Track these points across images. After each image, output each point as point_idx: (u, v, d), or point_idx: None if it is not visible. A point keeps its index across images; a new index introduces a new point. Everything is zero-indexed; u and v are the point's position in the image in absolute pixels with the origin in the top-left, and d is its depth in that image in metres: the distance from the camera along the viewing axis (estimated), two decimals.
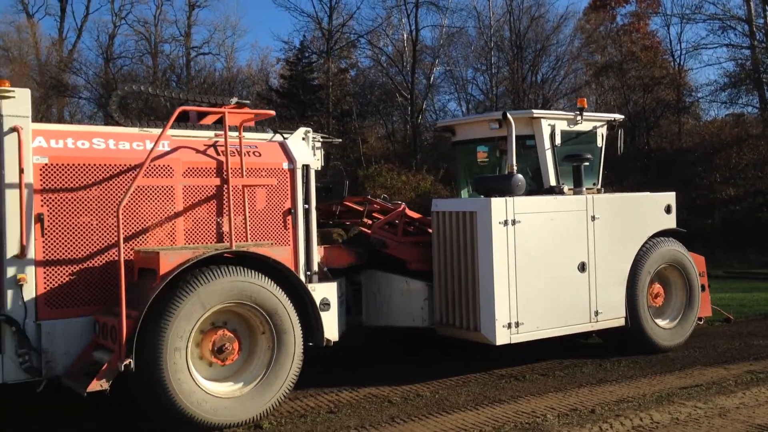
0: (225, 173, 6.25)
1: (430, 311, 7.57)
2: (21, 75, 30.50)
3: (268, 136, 6.96)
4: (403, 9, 36.81)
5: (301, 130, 7.05)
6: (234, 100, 6.83)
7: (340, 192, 7.77)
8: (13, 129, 5.47)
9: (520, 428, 5.66)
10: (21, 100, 5.53)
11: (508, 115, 7.60)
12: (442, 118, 39.59)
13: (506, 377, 7.23)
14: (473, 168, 8.96)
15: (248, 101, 7.10)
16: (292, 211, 6.76)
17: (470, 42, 36.68)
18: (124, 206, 5.70)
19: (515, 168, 7.47)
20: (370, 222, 7.79)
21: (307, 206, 6.83)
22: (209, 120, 6.88)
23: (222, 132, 6.71)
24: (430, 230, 7.92)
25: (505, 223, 7.08)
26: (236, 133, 6.61)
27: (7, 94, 5.42)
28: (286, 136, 6.97)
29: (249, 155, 6.60)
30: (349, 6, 50.23)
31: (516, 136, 7.77)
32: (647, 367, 7.59)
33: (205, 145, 6.51)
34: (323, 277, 6.94)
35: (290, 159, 6.81)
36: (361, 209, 8.07)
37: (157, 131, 6.37)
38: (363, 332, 8.11)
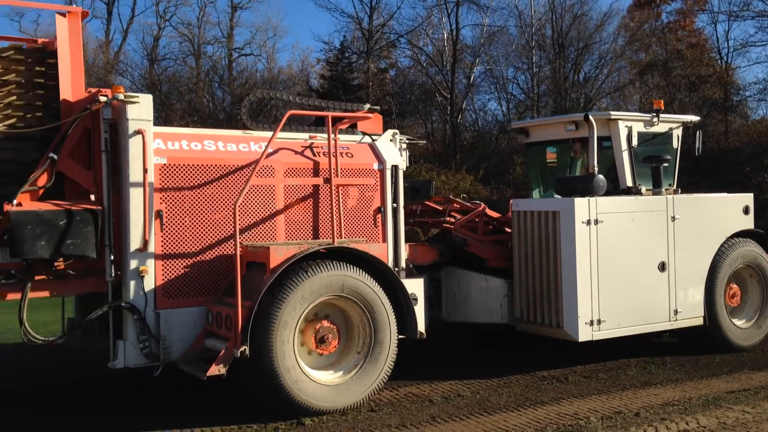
0: (327, 173, 6.56)
1: (509, 308, 7.76)
2: None
3: (357, 137, 7.23)
4: (443, 8, 36.94)
5: (389, 132, 7.32)
6: (367, 106, 7.25)
7: (426, 192, 8.01)
8: (138, 132, 5.83)
9: (563, 430, 5.60)
10: (144, 105, 5.90)
11: (590, 116, 7.74)
12: (482, 118, 39.66)
13: (548, 379, 7.18)
14: (545, 169, 9.12)
15: (378, 107, 7.45)
16: (382, 209, 7.04)
17: (511, 41, 36.59)
18: (237, 204, 6.00)
19: (596, 168, 7.62)
20: (452, 221, 8.01)
21: (395, 205, 7.10)
22: (343, 124, 7.15)
23: (317, 134, 7.07)
24: (508, 229, 8.12)
25: (588, 222, 7.23)
26: (332, 136, 6.92)
27: (132, 100, 5.78)
28: (374, 138, 7.24)
29: (342, 156, 6.88)
30: (390, 6, 50.44)
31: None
32: (693, 370, 7.54)
33: (302, 146, 6.82)
34: (409, 274, 7.20)
35: (380, 160, 7.09)
36: (441, 209, 8.29)
37: (259, 134, 6.75)
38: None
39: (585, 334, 7.24)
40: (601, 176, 7.49)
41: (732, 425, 5.68)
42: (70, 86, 5.87)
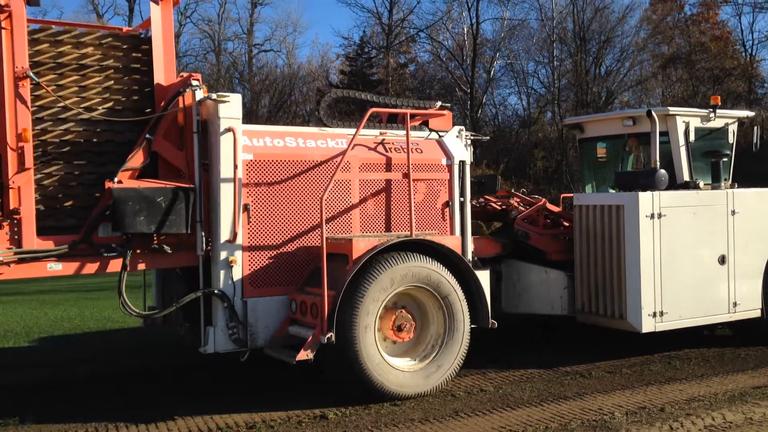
0: (404, 168, 6.77)
1: (570, 300, 7.92)
2: None
3: (425, 134, 7.41)
4: (463, 2, 37.00)
5: (456, 128, 7.48)
6: (438, 104, 7.40)
7: (492, 186, 8.18)
8: (228, 129, 6.07)
9: (588, 425, 5.54)
10: (234, 103, 6.12)
11: (653, 112, 7.87)
12: (502, 113, 39.72)
13: (571, 374, 7.13)
14: (598, 164, 9.25)
15: (448, 104, 7.64)
16: (450, 203, 7.23)
17: (532, 34, 36.67)
18: (319, 198, 6.25)
19: (659, 164, 7.75)
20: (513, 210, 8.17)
21: (462, 199, 7.29)
22: (416, 121, 7.40)
23: (386, 131, 7.25)
24: (566, 223, 8.27)
25: (652, 216, 7.37)
26: (403, 132, 7.13)
27: (224, 99, 6.01)
28: (441, 134, 7.41)
29: (413, 152, 7.03)
30: (410, 1, 50.48)
31: (648, 133, 8.06)
32: (718, 366, 7.48)
33: (374, 143, 7.01)
34: (475, 266, 7.36)
35: (448, 155, 7.27)
36: (501, 203, 8.46)
37: (334, 130, 6.97)
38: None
39: (648, 325, 7.39)
40: (663, 171, 7.63)
41: (759, 421, 5.64)
42: (163, 71, 6.14)
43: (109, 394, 6.67)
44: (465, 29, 37.59)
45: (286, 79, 40.74)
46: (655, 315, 7.41)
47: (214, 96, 6.01)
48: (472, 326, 6.77)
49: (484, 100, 37.30)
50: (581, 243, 7.77)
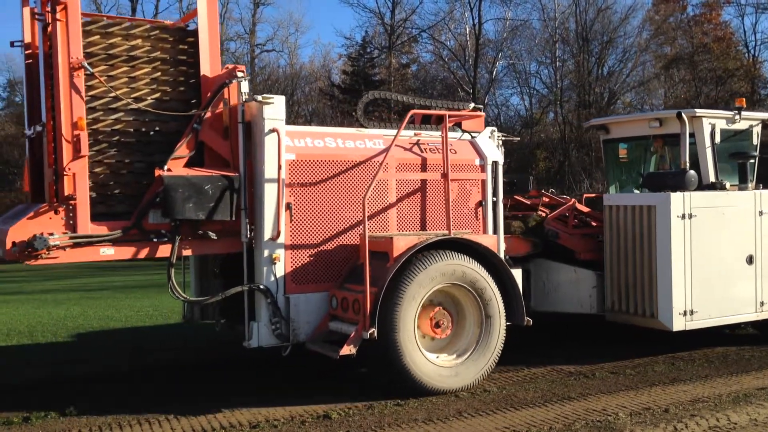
0: (442, 168, 6.87)
1: (599, 298, 8.01)
2: None
3: (457, 135, 7.49)
4: (466, 2, 37.05)
5: (488, 129, 7.58)
6: (471, 105, 7.50)
7: (524, 186, 8.26)
8: (273, 130, 6.18)
9: (592, 426, 5.55)
10: (278, 105, 6.24)
11: (683, 114, 7.96)
12: (504, 113, 39.82)
13: (575, 375, 7.14)
14: (621, 165, 9.35)
15: (481, 106, 7.74)
16: (483, 203, 7.32)
17: (534, 35, 36.72)
18: (360, 197, 6.34)
19: (687, 165, 7.84)
20: (543, 214, 8.26)
21: (495, 199, 7.38)
22: (451, 122, 7.43)
23: (420, 131, 7.33)
24: (594, 223, 8.36)
25: (683, 216, 7.46)
26: (436, 133, 7.22)
27: (268, 101, 6.11)
28: (474, 135, 7.49)
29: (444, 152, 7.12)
30: (412, 1, 50.52)
31: (674, 135, 8.15)
32: (722, 366, 7.49)
33: (410, 143, 7.09)
34: (508, 264, 7.45)
35: (481, 156, 7.36)
36: (529, 202, 8.54)
37: (371, 131, 7.07)
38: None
39: (679, 324, 7.48)
40: (692, 172, 7.72)
41: (763, 422, 5.63)
42: (209, 62, 6.26)
43: (115, 393, 6.70)
44: (467, 29, 37.67)
45: (288, 79, 40.76)
46: (685, 314, 7.50)
47: (259, 98, 6.13)
48: (507, 323, 6.86)
49: (486, 101, 37.34)
50: (611, 242, 7.86)
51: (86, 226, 5.72)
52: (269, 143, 6.17)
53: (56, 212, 5.64)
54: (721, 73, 29.82)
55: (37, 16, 5.90)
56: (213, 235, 6.13)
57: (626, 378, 7.04)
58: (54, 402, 6.24)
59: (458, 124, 7.50)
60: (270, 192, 6.21)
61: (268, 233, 6.22)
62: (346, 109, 33.16)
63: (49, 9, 5.71)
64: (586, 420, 5.69)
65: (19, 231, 5.53)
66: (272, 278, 6.27)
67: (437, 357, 6.55)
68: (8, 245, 5.48)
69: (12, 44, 6.69)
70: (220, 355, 8.23)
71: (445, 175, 6.79)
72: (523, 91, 37.97)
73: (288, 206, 6.32)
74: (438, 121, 7.45)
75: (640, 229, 7.60)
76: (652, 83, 33.29)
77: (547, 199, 8.56)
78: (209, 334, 8.87)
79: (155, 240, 5.98)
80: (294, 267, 6.41)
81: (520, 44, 37.05)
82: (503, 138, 7.74)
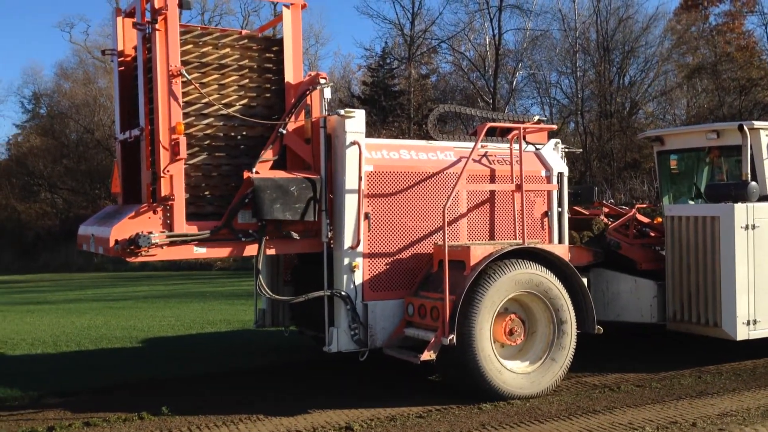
0: (517, 180, 7.03)
1: (659, 308, 8.07)
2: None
3: (523, 146, 7.59)
4: (486, 13, 37.21)
5: (552, 141, 7.73)
6: (536, 117, 7.61)
7: (589, 197, 8.37)
8: (354, 143, 6.37)
9: None
10: (359, 119, 6.46)
11: (745, 126, 8.04)
12: None
13: (599, 387, 7.07)
14: (675, 176, 9.43)
15: (545, 118, 7.84)
16: (549, 213, 7.45)
17: (554, 45, 36.70)
18: (444, 207, 6.47)
19: (749, 176, 7.92)
20: (607, 223, 8.35)
21: (560, 209, 7.51)
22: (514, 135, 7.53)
23: (487, 143, 7.46)
24: (653, 234, 8.44)
25: (746, 227, 7.53)
26: (503, 145, 7.35)
27: (350, 115, 6.33)
28: (538, 147, 7.62)
29: (514, 164, 7.24)
30: (432, 12, 50.76)
31: (731, 146, 8.25)
32: (750, 380, 7.39)
33: (479, 155, 7.22)
34: None
35: (546, 167, 7.48)
36: (588, 212, 8.64)
37: (442, 143, 7.25)
38: None
39: (742, 333, 7.53)
40: (754, 183, 7.79)
41: None
42: (292, 70, 6.51)
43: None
44: (487, 40, 37.80)
45: None
46: (748, 323, 7.56)
47: (341, 112, 6.34)
48: (578, 332, 6.95)
49: (506, 111, 37.43)
50: (673, 252, 7.93)
51: (182, 225, 5.97)
52: (350, 155, 6.36)
53: (155, 212, 5.88)
54: (744, 82, 29.71)
55: (138, 27, 6.15)
56: (295, 235, 6.34)
57: (652, 391, 6.96)
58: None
59: (523, 137, 7.61)
60: (350, 202, 6.39)
61: (348, 242, 6.39)
62: (366, 120, 33.30)
63: (149, 19, 5.95)
64: None
65: (122, 230, 5.78)
66: (351, 285, 6.43)
67: (511, 363, 6.66)
68: (111, 243, 5.72)
69: (104, 53, 6.97)
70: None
71: (518, 186, 6.91)
72: (544, 100, 37.94)
73: (366, 216, 6.49)
74: (502, 134, 7.58)
75: (702, 239, 7.67)
76: (675, 93, 33.23)
77: (606, 210, 8.65)
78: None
79: (243, 239, 6.18)
80: (371, 275, 6.58)
81: (540, 54, 37.08)
82: (566, 149, 7.86)
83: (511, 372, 6.54)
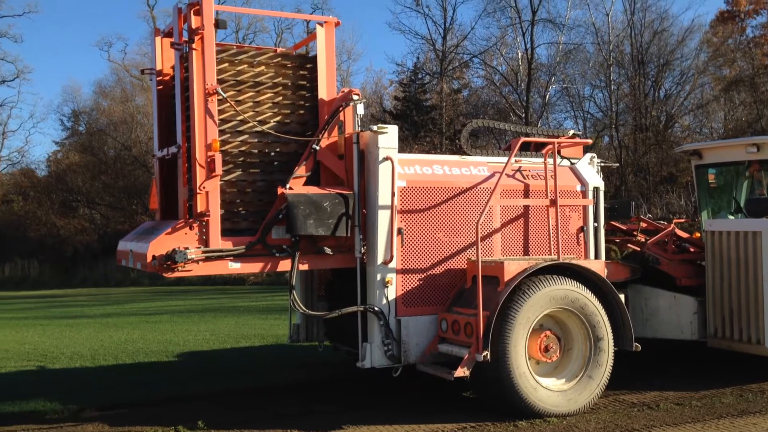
0: (551, 195, 6.96)
1: (699, 325, 7.89)
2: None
3: (558, 161, 7.52)
4: (518, 27, 37.14)
5: (588, 155, 7.64)
6: (571, 132, 7.56)
7: (626, 212, 8.26)
8: (387, 158, 6.39)
9: None
10: (391, 134, 6.48)
11: None
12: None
13: (637, 405, 6.96)
14: (713, 190, 9.25)
15: (580, 132, 7.80)
16: (585, 228, 7.35)
17: (588, 58, 36.45)
18: (474, 222, 6.48)
19: None
20: (642, 239, 8.22)
21: (596, 224, 7.41)
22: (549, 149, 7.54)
23: (521, 158, 7.41)
24: (692, 249, 8.27)
25: None
26: (537, 159, 7.29)
27: (383, 131, 6.33)
28: (573, 161, 7.55)
29: (549, 179, 7.17)
30: (464, 27, 50.79)
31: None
32: None
33: (512, 170, 7.18)
34: None
35: (582, 182, 7.40)
36: (625, 228, 8.51)
37: (474, 158, 7.21)
38: None
39: None
40: None
41: None
42: (326, 87, 6.57)
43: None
44: (519, 54, 37.69)
45: None
46: None
47: (374, 127, 6.35)
48: (615, 349, 6.83)
49: (539, 125, 37.18)
50: (714, 268, 7.76)
51: (217, 241, 6.03)
52: (383, 171, 6.37)
53: (191, 228, 5.97)
54: None
55: (176, 46, 6.28)
56: (329, 251, 6.35)
57: (692, 410, 6.83)
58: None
59: (558, 151, 7.55)
60: (383, 217, 6.39)
61: (381, 257, 6.39)
62: (398, 135, 33.38)
63: (186, 39, 6.07)
64: None
65: (159, 245, 5.86)
66: (384, 301, 6.42)
67: (546, 380, 6.57)
68: (149, 258, 5.81)
69: (143, 72, 7.12)
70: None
71: (553, 202, 6.85)
72: (577, 114, 37.61)
73: (399, 231, 6.49)
74: (536, 149, 7.53)
75: (744, 254, 7.50)
76: (711, 106, 32.66)
77: (644, 225, 8.52)
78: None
79: (277, 255, 6.23)
80: (404, 290, 6.55)
81: (573, 68, 36.83)
82: (602, 164, 7.77)
83: (547, 389, 6.45)
